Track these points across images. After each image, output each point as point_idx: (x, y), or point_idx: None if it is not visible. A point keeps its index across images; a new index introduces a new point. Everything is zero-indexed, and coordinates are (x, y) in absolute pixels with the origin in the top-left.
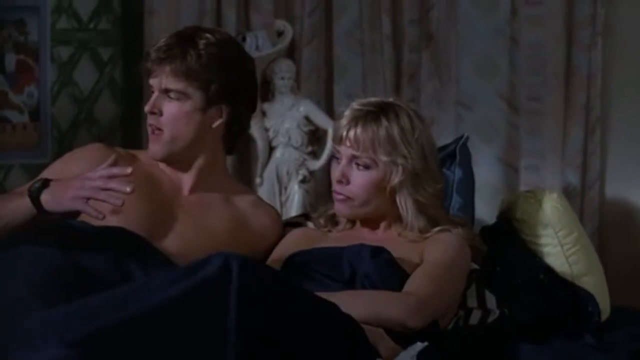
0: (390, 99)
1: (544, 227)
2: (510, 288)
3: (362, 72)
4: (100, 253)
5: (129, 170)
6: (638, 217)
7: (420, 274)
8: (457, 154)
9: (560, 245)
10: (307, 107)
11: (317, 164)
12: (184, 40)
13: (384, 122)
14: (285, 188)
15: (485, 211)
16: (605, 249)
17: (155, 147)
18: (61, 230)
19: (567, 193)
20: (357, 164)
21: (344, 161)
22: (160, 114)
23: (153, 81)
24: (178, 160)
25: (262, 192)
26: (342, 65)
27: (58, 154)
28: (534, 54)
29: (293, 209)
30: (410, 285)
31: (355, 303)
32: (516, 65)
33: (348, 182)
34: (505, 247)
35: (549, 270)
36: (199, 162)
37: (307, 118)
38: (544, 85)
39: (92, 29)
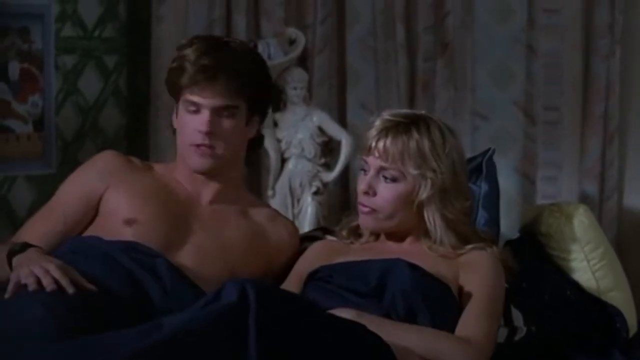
0: (423, 112)
1: (571, 241)
2: (536, 304)
3: (375, 81)
4: (114, 270)
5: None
6: None
7: (472, 313)
8: (483, 168)
9: (586, 260)
10: (320, 118)
11: (330, 176)
12: (224, 54)
13: (415, 134)
14: (298, 200)
15: (502, 223)
16: (623, 260)
17: (204, 161)
18: (74, 247)
19: (585, 204)
20: (385, 177)
21: (371, 172)
22: (216, 133)
23: (202, 100)
24: (215, 173)
25: (274, 204)
26: (355, 74)
27: (62, 165)
28: (551, 63)
29: (306, 222)
30: (466, 328)
31: (411, 338)
32: (533, 74)
33: (374, 194)
34: (530, 263)
35: (576, 286)
36: (230, 175)
37: (320, 129)
38: (561, 95)
39: (97, 36)
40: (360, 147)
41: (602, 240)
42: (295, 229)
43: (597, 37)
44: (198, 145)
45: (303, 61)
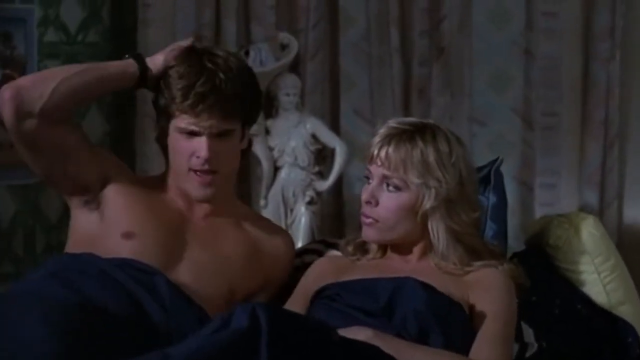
0: (430, 121)
1: (580, 254)
2: (547, 319)
3: (369, 86)
4: (112, 287)
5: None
6: None
7: (487, 337)
8: (491, 178)
9: (597, 272)
10: (313, 125)
11: (325, 185)
12: (215, 77)
13: (419, 143)
14: (291, 210)
15: None
16: None
17: (207, 191)
18: (69, 264)
19: (585, 212)
20: (388, 185)
21: (374, 182)
22: (215, 156)
23: (198, 128)
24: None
25: (267, 214)
26: (349, 79)
27: None
28: (550, 67)
29: (300, 232)
30: (481, 352)
31: None
32: (531, 79)
33: (376, 204)
34: (538, 276)
35: (586, 300)
36: (224, 189)
37: (313, 136)
38: (560, 100)
39: (81, 42)
40: (364, 156)
41: (613, 252)
42: (291, 240)
43: (597, 40)
44: (198, 171)
45: (295, 67)
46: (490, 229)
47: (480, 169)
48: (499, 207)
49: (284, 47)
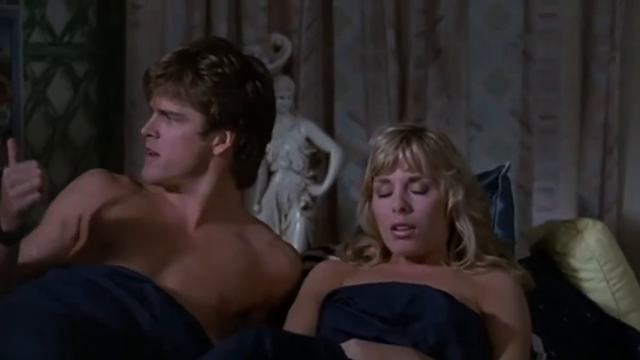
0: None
1: (588, 260)
2: (555, 328)
3: (364, 89)
4: (99, 296)
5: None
6: None
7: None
8: (499, 184)
9: (605, 280)
10: (307, 128)
11: (320, 190)
12: (184, 59)
13: (431, 137)
14: (286, 216)
15: None
16: None
17: (150, 170)
18: (55, 275)
19: (584, 217)
20: (414, 191)
21: (398, 188)
22: (157, 136)
23: (152, 102)
24: (177, 187)
25: (260, 219)
26: (343, 82)
27: None
28: (549, 69)
29: (294, 238)
30: None
31: None
32: (529, 81)
33: (411, 210)
34: (545, 283)
35: (595, 308)
36: (202, 192)
37: (308, 140)
38: (559, 103)
39: (67, 42)
40: (375, 168)
41: (621, 259)
42: (297, 256)
43: (597, 42)
44: (146, 150)
45: (287, 69)
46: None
47: (487, 174)
48: (507, 214)
49: (277, 48)
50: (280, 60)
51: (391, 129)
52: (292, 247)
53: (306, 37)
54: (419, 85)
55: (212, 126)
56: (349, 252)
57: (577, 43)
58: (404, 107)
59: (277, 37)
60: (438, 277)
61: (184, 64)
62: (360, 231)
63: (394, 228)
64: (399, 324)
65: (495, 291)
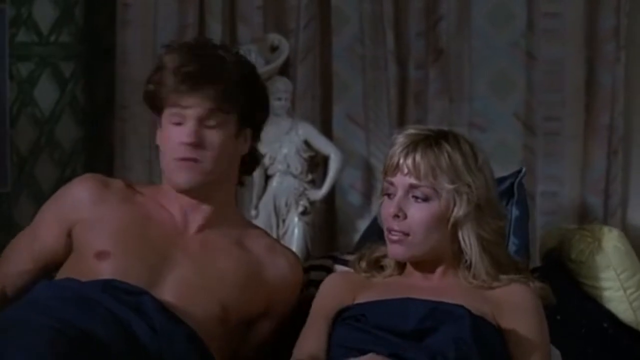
0: (452, 129)
1: (605, 269)
2: (574, 340)
3: (363, 90)
4: (96, 312)
5: None
6: None
7: None
8: (515, 191)
9: (622, 289)
10: (306, 131)
11: (319, 194)
12: (208, 60)
13: (446, 147)
14: (284, 221)
15: None
16: None
17: (190, 176)
18: (48, 292)
19: (588, 221)
20: (415, 197)
21: (399, 193)
22: (202, 145)
23: (185, 110)
24: (203, 193)
25: (258, 225)
26: (341, 83)
27: (18, 182)
28: (552, 70)
29: (293, 244)
30: None
31: None
32: (533, 82)
33: (405, 217)
34: (561, 293)
35: (613, 318)
36: (221, 198)
37: (306, 142)
38: (563, 104)
39: (53, 42)
40: (384, 168)
41: (638, 268)
42: (297, 261)
43: (601, 42)
44: (183, 159)
45: (284, 70)
46: (512, 244)
47: (502, 180)
48: (522, 221)
49: (274, 49)
50: (278, 61)
51: (410, 131)
52: (291, 251)
53: (303, 37)
54: (419, 86)
55: (241, 125)
56: (363, 264)
57: (581, 43)
58: (404, 109)
59: (274, 37)
60: (453, 291)
61: (214, 64)
62: (361, 242)
63: (389, 231)
64: (415, 339)
65: (512, 304)
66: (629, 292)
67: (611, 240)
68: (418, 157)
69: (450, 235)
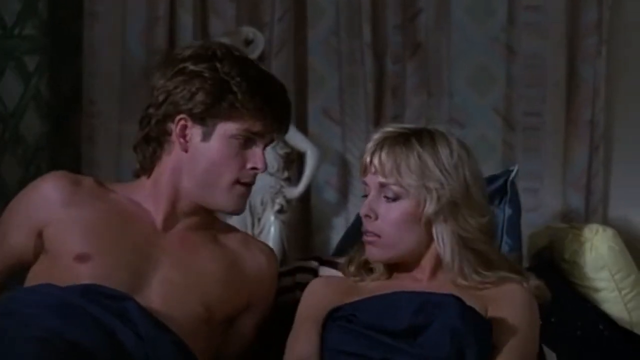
0: (437, 127)
1: (599, 269)
2: (569, 342)
3: (339, 85)
4: (78, 319)
5: None
6: None
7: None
8: (508, 189)
9: (617, 290)
10: None
11: (295, 192)
12: (271, 78)
13: (416, 145)
14: (259, 220)
15: None
16: None
17: (244, 201)
18: (26, 300)
19: (569, 218)
20: (386, 197)
21: (372, 193)
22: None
23: (259, 137)
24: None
25: (232, 224)
26: (318, 77)
27: None
28: (533, 65)
29: (269, 243)
30: None
31: None
32: (513, 77)
33: (376, 218)
34: (556, 294)
35: (608, 319)
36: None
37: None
38: (544, 99)
39: (17, 35)
40: (360, 168)
41: (632, 268)
42: (273, 253)
43: (583, 36)
44: (246, 184)
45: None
46: (506, 244)
47: (494, 178)
48: (514, 220)
49: (248, 42)
50: (252, 55)
51: (383, 129)
52: (265, 243)
53: (278, 30)
54: (397, 81)
55: None
56: (352, 268)
57: (562, 37)
58: (381, 104)
59: (248, 30)
60: (443, 289)
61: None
62: (343, 243)
63: (364, 232)
64: (409, 337)
65: (504, 299)
66: (623, 292)
67: (606, 240)
68: (384, 155)
69: (426, 234)
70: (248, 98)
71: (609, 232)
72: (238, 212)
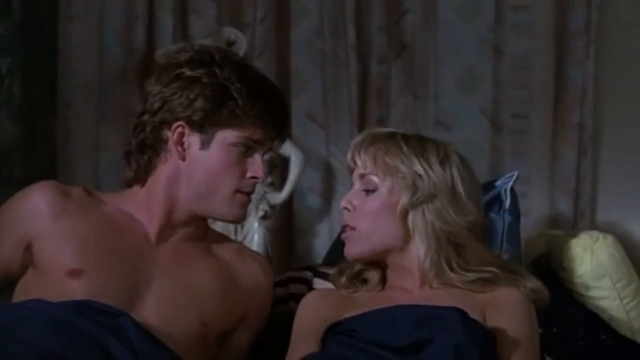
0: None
1: (600, 277)
2: (572, 352)
3: (322, 87)
4: (71, 336)
5: None
6: (632, 247)
7: None
8: (507, 196)
9: (619, 298)
10: None
11: (279, 197)
12: (272, 84)
13: (400, 140)
14: (243, 226)
15: None
16: None
17: (245, 211)
18: (17, 317)
19: (557, 222)
20: (366, 190)
21: (355, 186)
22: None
23: (258, 145)
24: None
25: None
26: (301, 79)
27: None
28: (521, 66)
29: None
30: None
31: None
32: (500, 78)
33: (354, 210)
34: (556, 303)
35: (610, 329)
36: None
37: None
38: (531, 101)
39: None
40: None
41: (633, 276)
42: (267, 262)
43: (571, 37)
44: (247, 194)
45: None
46: (506, 252)
47: (491, 184)
48: (515, 227)
49: (230, 44)
50: None
51: (377, 129)
52: (258, 253)
53: (260, 30)
54: (381, 83)
55: None
56: (343, 280)
57: (550, 38)
58: (366, 107)
59: (230, 31)
60: (441, 298)
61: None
62: (333, 252)
63: (342, 230)
64: (411, 352)
65: (501, 306)
66: (624, 301)
67: (606, 248)
68: (364, 147)
69: (403, 228)
70: (249, 105)
71: (610, 239)
72: (239, 221)
